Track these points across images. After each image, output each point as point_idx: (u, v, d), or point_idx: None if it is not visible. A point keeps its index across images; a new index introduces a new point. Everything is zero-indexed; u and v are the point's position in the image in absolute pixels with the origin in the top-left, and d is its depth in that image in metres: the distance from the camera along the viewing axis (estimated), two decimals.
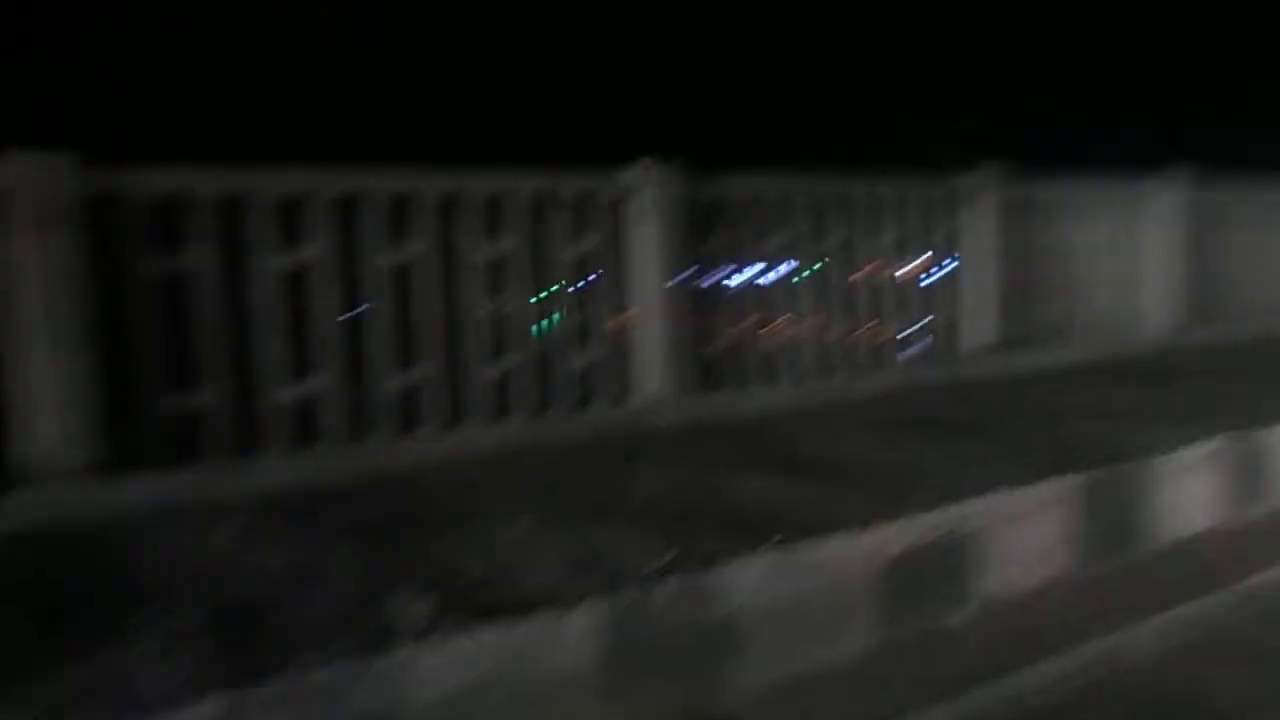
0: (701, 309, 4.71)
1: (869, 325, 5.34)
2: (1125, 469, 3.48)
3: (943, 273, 5.73)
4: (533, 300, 4.22)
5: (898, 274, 5.45)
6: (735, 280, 4.88)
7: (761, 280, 4.96)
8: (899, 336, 5.55)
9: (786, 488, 3.32)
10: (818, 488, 3.29)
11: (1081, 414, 4.40)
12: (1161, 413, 4.33)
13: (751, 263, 4.93)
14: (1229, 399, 4.65)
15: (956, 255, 5.71)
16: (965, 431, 4.11)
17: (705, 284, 4.77)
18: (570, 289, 4.35)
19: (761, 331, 4.96)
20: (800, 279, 5.10)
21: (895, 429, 4.22)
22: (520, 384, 4.12)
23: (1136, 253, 6.53)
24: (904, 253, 5.52)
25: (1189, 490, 3.67)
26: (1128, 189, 6.55)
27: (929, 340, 5.64)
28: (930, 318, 5.66)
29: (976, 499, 3.10)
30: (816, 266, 5.10)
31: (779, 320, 5.08)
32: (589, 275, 4.41)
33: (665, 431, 4.30)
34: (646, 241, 4.40)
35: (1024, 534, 3.19)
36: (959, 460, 3.58)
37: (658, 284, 4.43)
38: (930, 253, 5.65)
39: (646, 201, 4.38)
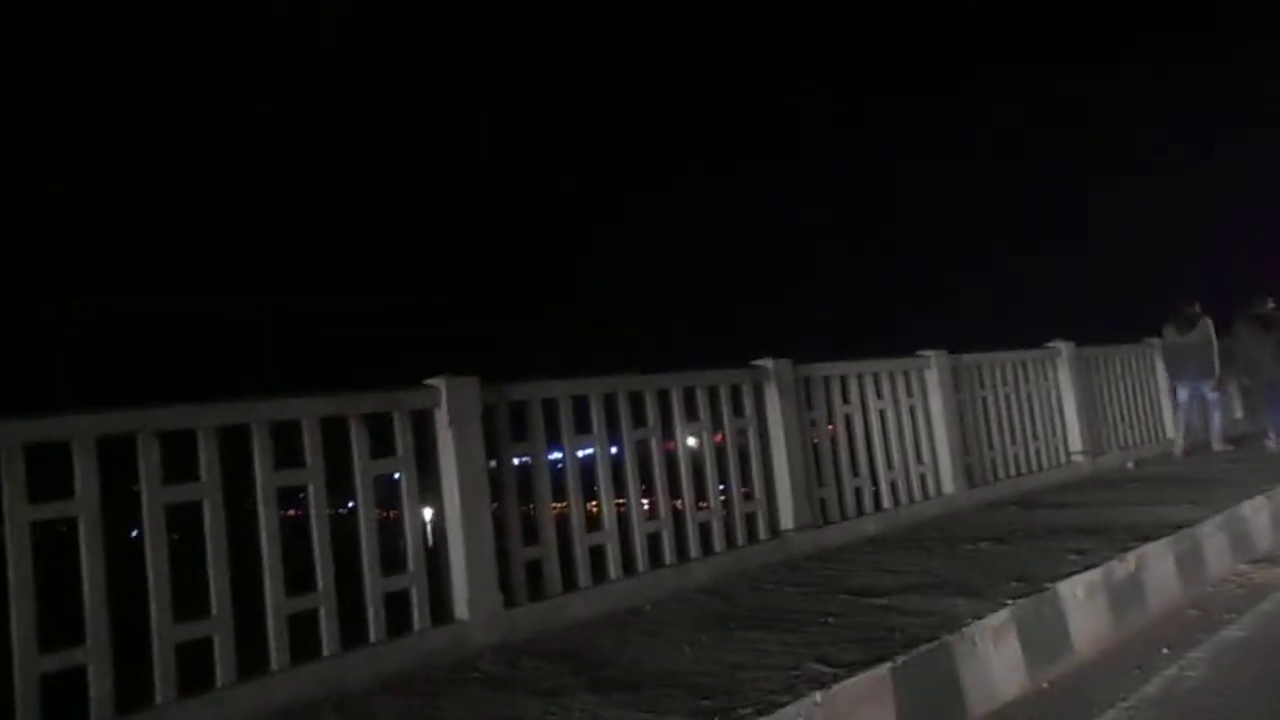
0: (511, 513, 4.62)
1: (695, 507, 5.42)
2: (932, 649, 3.59)
3: (751, 451, 5.95)
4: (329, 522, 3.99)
5: (707, 453, 5.61)
6: (546, 478, 4.83)
7: (572, 473, 4.94)
8: (723, 515, 5.64)
9: (612, 709, 3.19)
10: (642, 709, 3.18)
11: (889, 592, 4.56)
12: (955, 582, 4.57)
13: (562, 458, 4.92)
14: (1010, 562, 4.98)
15: (762, 435, 5.97)
16: (792, 622, 4.16)
17: (515, 485, 4.70)
18: (375, 507, 4.16)
19: (581, 525, 4.90)
20: (617, 465, 5.15)
21: (725, 626, 4.20)
22: (329, 618, 3.82)
23: (920, 419, 7.07)
24: (715, 434, 5.72)
25: (992, 660, 3.82)
26: (909, 360, 7.16)
27: (751, 516, 5.77)
28: (747, 497, 5.82)
29: (800, 702, 3.09)
30: (622, 454, 5.17)
31: (599, 511, 5.07)
32: (395, 490, 4.26)
33: (485, 655, 4.08)
34: (449, 448, 4.31)
35: None
36: (791, 654, 3.59)
37: (467, 491, 4.32)
38: (741, 434, 5.88)
39: (447, 411, 4.32)
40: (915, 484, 6.93)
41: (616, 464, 5.16)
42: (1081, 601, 4.31)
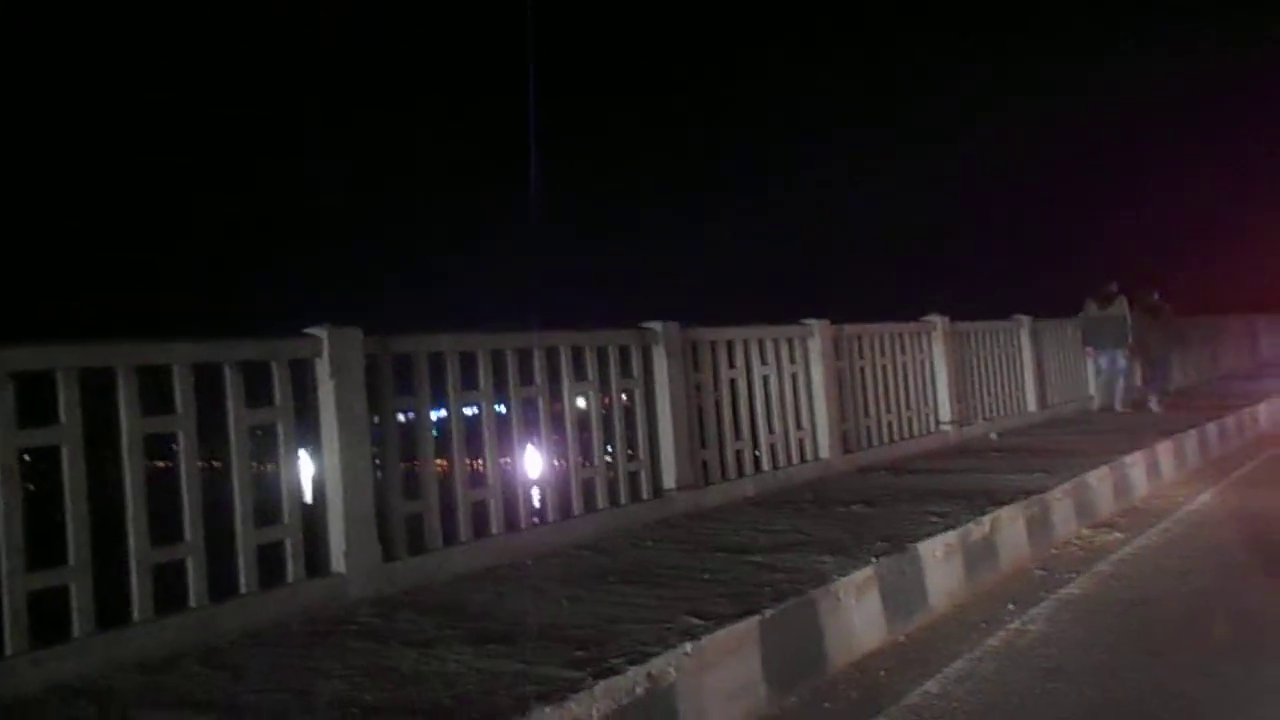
0: (392, 467, 4.58)
1: (578, 465, 5.46)
2: (798, 603, 3.76)
3: (637, 412, 6.04)
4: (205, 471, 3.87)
5: (594, 413, 5.66)
6: (430, 432, 4.79)
7: (456, 428, 4.91)
8: (609, 475, 5.71)
9: (487, 659, 3.24)
10: (517, 659, 3.24)
11: (763, 550, 4.74)
12: (825, 541, 4.78)
13: (446, 412, 4.89)
14: (878, 523, 5.24)
15: (649, 396, 6.06)
16: (669, 577, 4.28)
17: (398, 439, 4.65)
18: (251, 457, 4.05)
19: (463, 480, 4.89)
20: (502, 422, 5.15)
21: (604, 581, 4.28)
22: (197, 569, 3.72)
23: (800, 386, 7.31)
24: (603, 393, 5.77)
25: (854, 614, 4.03)
26: (794, 328, 7.36)
27: (634, 475, 5.86)
28: (631, 457, 5.92)
29: (671, 653, 3.19)
30: (505, 409, 5.17)
31: (482, 467, 5.07)
32: (273, 441, 4.16)
33: (362, 608, 4.05)
34: (330, 400, 4.23)
35: (718, 679, 3.32)
36: (665, 608, 3.70)
37: (347, 444, 4.25)
38: (628, 394, 5.96)
39: (329, 362, 4.23)
40: (794, 448, 7.17)
41: (503, 422, 5.17)
42: (940, 561, 4.58)
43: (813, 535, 4.98)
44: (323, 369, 4.23)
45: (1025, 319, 10.98)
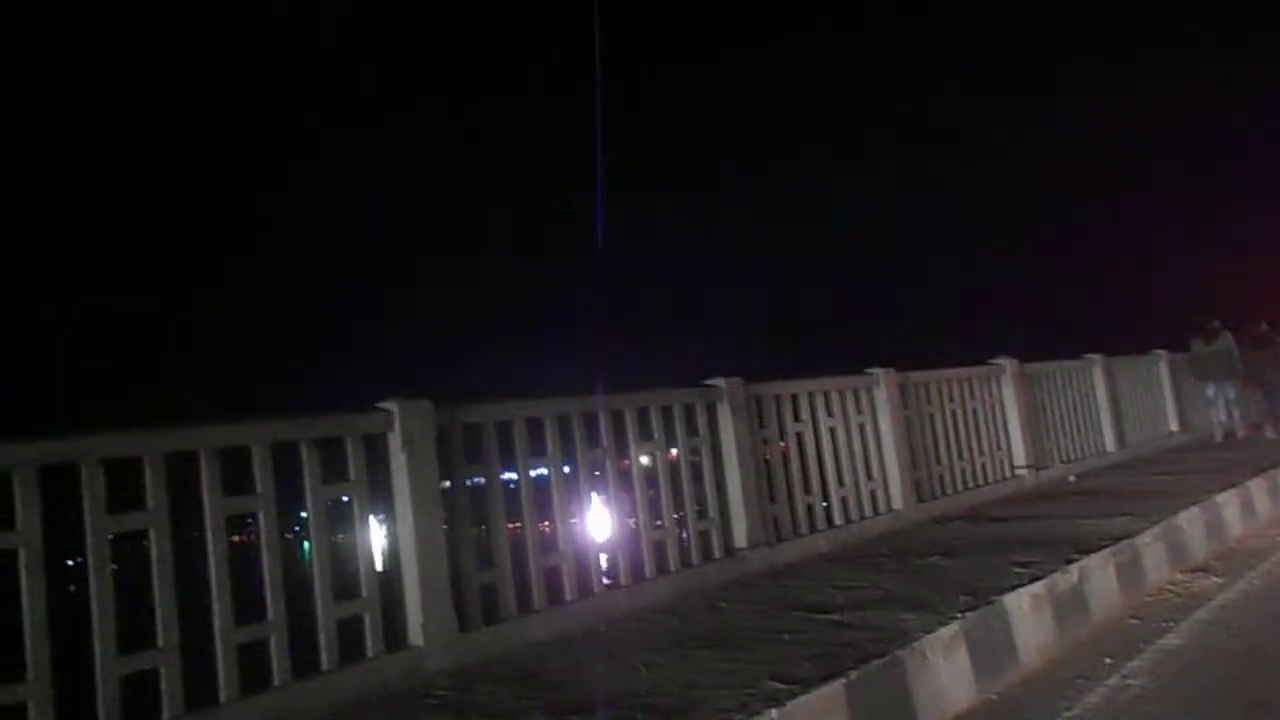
0: (466, 536, 4.59)
1: (648, 526, 5.42)
2: (884, 663, 3.65)
3: (705, 470, 5.99)
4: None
5: (661, 472, 5.63)
6: (501, 501, 4.80)
7: (526, 495, 4.93)
8: (680, 535, 5.67)
9: None
10: None
11: (842, 608, 4.63)
12: (906, 597, 4.65)
13: (517, 477, 4.91)
14: (959, 576, 5.08)
15: (715, 453, 6.02)
16: (747, 639, 4.20)
17: (470, 510, 4.67)
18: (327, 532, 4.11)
19: (535, 547, 4.89)
20: (570, 485, 5.15)
21: (681, 646, 4.22)
22: (280, 647, 3.77)
23: (869, 437, 7.19)
24: (668, 453, 5.75)
25: (942, 673, 3.90)
26: (858, 379, 7.27)
27: (705, 534, 5.80)
28: (700, 515, 5.86)
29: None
30: (574, 472, 5.17)
31: (552, 531, 5.06)
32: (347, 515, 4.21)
33: (440, 680, 4.05)
34: (403, 473, 4.29)
35: None
36: (746, 672, 3.62)
37: (421, 516, 4.29)
38: (695, 453, 5.92)
39: (400, 435, 4.29)
40: (866, 500, 7.04)
41: (571, 485, 5.17)
42: (1028, 613, 4.42)
43: (892, 591, 4.85)
44: (395, 442, 4.30)
45: (1098, 357, 10.71)
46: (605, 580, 5.13)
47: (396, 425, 4.29)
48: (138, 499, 3.52)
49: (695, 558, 5.68)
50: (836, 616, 4.42)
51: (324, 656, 3.94)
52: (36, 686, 3.14)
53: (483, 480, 4.75)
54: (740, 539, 5.93)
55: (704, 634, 4.42)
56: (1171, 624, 4.78)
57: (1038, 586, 4.58)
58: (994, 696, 3.96)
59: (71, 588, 3.52)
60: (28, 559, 3.21)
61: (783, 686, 3.39)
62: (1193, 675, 4.06)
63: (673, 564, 5.52)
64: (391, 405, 4.32)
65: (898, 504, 7.24)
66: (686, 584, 5.44)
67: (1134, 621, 4.90)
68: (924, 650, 3.80)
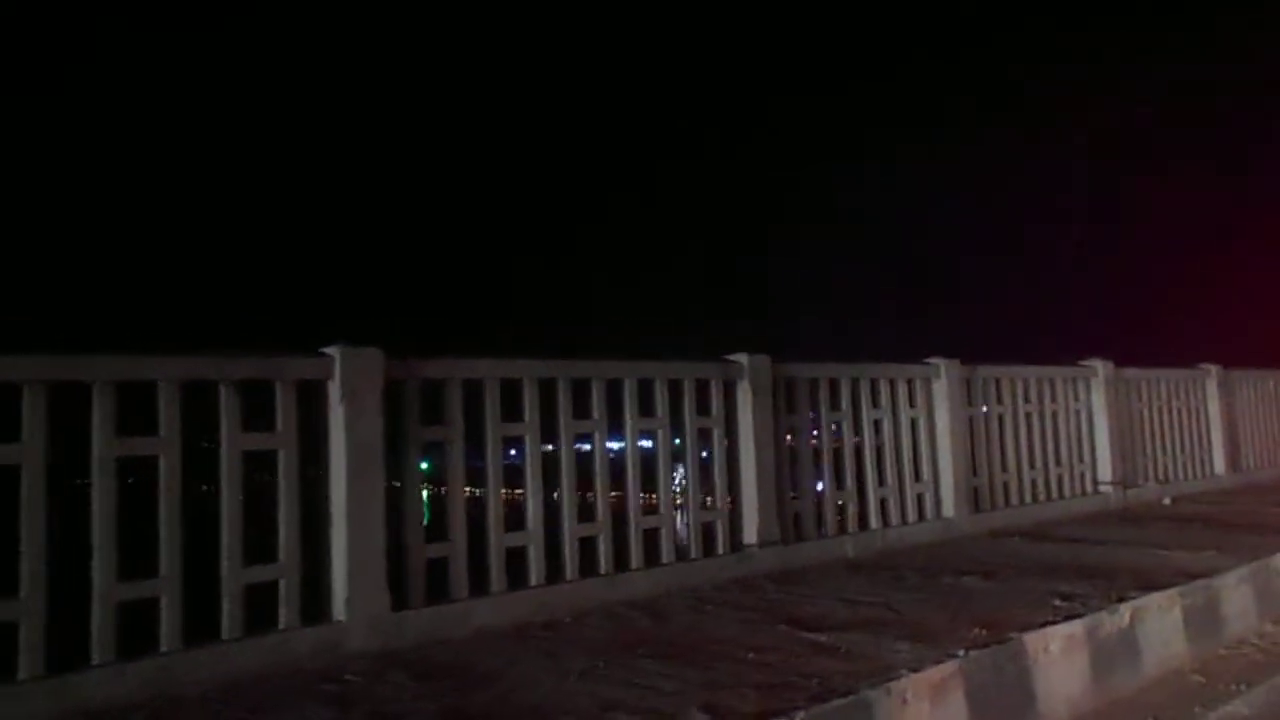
0: (414, 505, 4.13)
1: (640, 512, 4.86)
2: (844, 706, 3.00)
3: (715, 455, 5.37)
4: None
5: (661, 454, 5.04)
6: (460, 469, 4.31)
7: (493, 464, 4.42)
8: (675, 526, 5.10)
9: None
10: None
11: (835, 627, 3.97)
12: (913, 621, 3.95)
13: (483, 447, 4.40)
14: (987, 603, 4.33)
15: (730, 438, 5.40)
16: (709, 654, 3.60)
17: (419, 475, 4.20)
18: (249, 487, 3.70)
19: (498, 523, 4.40)
20: (551, 461, 4.64)
21: (633, 653, 3.66)
22: (170, 605, 3.38)
23: (922, 433, 6.42)
24: (675, 433, 5.18)
25: None
26: (915, 368, 6.49)
27: (709, 527, 5.21)
28: (709, 506, 5.27)
29: None
30: (553, 448, 4.64)
31: (524, 510, 4.56)
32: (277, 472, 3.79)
33: (357, 664, 3.60)
34: (340, 427, 3.84)
35: None
36: (681, 696, 3.04)
37: (356, 477, 3.84)
38: (705, 435, 5.32)
39: (342, 384, 3.84)
40: (910, 505, 6.27)
41: (551, 461, 4.64)
42: (1054, 658, 3.65)
43: (901, 613, 4.15)
44: (334, 391, 3.85)
45: (1213, 368, 9.47)
46: (578, 567, 4.58)
47: (336, 373, 3.84)
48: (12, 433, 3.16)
49: (694, 551, 5.08)
50: (823, 637, 3.76)
51: (225, 625, 3.53)
52: None
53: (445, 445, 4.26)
54: (750, 535, 5.29)
55: (667, 640, 3.84)
56: (1244, 687, 3.92)
57: (1074, 626, 3.80)
58: None
59: None
60: None
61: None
62: None
63: (665, 556, 4.94)
64: (333, 350, 3.87)
65: (949, 512, 6.44)
66: (677, 580, 4.85)
67: (1197, 679, 4.06)
68: (904, 693, 3.11)
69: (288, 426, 3.76)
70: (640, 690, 3.17)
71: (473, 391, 4.37)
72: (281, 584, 3.68)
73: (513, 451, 4.52)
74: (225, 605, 3.53)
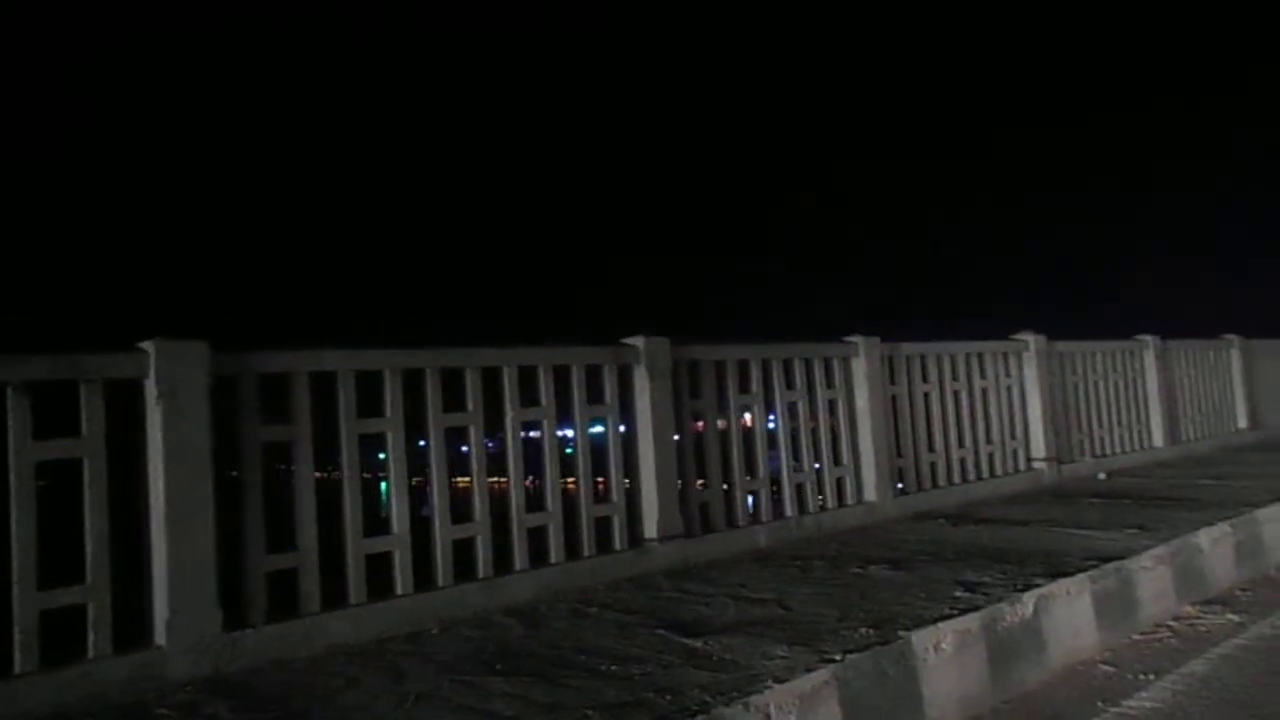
0: (253, 512, 3.74)
1: (524, 509, 4.53)
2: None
3: (610, 446, 5.03)
4: None
5: (547, 446, 4.69)
6: (309, 471, 3.94)
7: (348, 462, 4.05)
8: (563, 523, 4.75)
9: None
10: None
11: (716, 630, 3.65)
12: (803, 621, 3.64)
13: (347, 443, 4.03)
14: (886, 595, 4.04)
15: (628, 427, 5.06)
16: (568, 668, 3.26)
17: (260, 479, 3.81)
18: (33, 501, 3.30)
19: (357, 529, 4.04)
20: (422, 457, 4.28)
21: (486, 669, 3.32)
22: None
23: (840, 415, 6.14)
24: (564, 423, 4.83)
25: None
26: (829, 346, 6.20)
27: (604, 522, 4.88)
28: (600, 499, 4.94)
29: None
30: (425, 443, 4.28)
31: (388, 515, 4.19)
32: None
33: (177, 694, 3.22)
34: (157, 429, 3.44)
35: None
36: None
37: (177, 483, 3.44)
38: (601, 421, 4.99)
39: (159, 381, 3.44)
40: (830, 490, 5.99)
41: (420, 456, 4.28)
42: (946, 656, 3.36)
43: (793, 610, 3.84)
44: (150, 390, 3.45)
45: (1150, 339, 9.30)
46: (450, 573, 4.22)
47: (151, 369, 3.44)
48: None
49: (587, 549, 4.74)
50: (699, 642, 3.43)
51: (18, 656, 3.13)
52: None
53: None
54: (650, 529, 4.96)
55: (529, 652, 3.49)
56: (1153, 676, 3.66)
57: (969, 620, 3.51)
58: None
59: None
60: None
61: None
62: None
63: (553, 555, 4.59)
64: (149, 345, 3.47)
65: (871, 495, 6.16)
66: (567, 581, 4.51)
67: (1106, 669, 3.79)
68: (766, 707, 2.79)
69: (93, 431, 3.36)
70: (473, 716, 2.82)
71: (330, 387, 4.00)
72: (90, 608, 3.29)
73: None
74: (17, 635, 3.13)
